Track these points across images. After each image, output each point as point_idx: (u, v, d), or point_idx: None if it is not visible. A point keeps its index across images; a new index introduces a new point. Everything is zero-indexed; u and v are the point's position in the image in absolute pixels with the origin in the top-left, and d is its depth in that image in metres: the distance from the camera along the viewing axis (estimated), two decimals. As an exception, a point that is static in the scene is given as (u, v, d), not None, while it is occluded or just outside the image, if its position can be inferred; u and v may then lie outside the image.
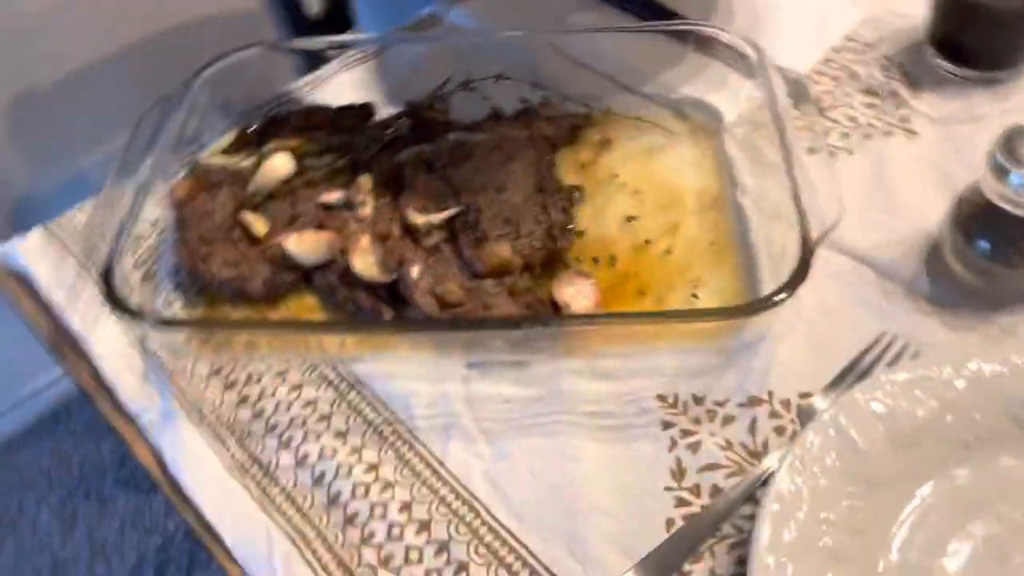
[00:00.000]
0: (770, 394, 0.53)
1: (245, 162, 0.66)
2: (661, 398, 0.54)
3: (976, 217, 0.55)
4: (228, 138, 0.70)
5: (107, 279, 0.55)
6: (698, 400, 0.54)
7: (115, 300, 0.54)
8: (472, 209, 0.60)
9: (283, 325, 0.58)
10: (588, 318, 0.55)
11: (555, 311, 0.56)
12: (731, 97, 0.68)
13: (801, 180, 0.54)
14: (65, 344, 0.63)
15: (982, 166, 0.52)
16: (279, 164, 0.65)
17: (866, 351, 0.54)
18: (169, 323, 0.56)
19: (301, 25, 1.13)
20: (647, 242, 0.61)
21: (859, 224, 0.61)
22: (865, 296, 0.57)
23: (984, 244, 0.54)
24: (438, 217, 0.60)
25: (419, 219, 0.60)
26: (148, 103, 0.66)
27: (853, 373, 0.53)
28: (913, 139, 0.66)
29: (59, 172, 1.32)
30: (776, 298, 0.49)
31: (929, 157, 0.65)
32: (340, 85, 0.78)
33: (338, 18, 1.12)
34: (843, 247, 0.60)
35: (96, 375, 0.60)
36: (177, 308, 0.62)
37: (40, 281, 0.66)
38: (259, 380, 0.58)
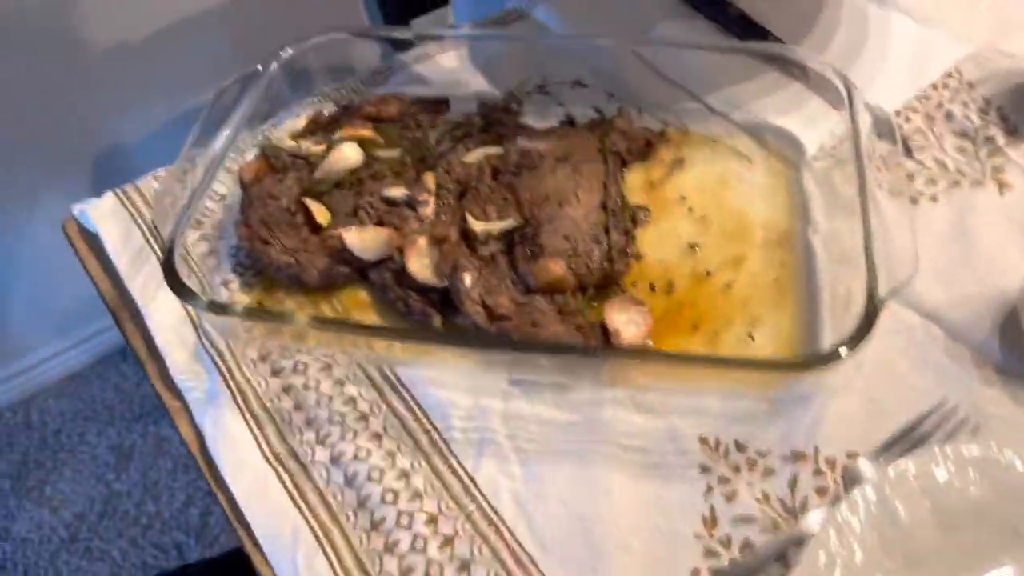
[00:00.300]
0: (816, 450, 0.52)
1: (315, 147, 0.66)
2: (702, 440, 0.53)
3: (1060, 288, 0.52)
4: (301, 120, 0.71)
5: (168, 256, 0.56)
6: (740, 447, 0.52)
7: (173, 278, 0.55)
8: (532, 222, 0.59)
9: (330, 324, 0.58)
10: (635, 353, 0.53)
11: (605, 336, 0.55)
12: (815, 128, 0.66)
13: (876, 227, 0.52)
14: (124, 309, 0.65)
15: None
16: (348, 154, 0.65)
17: (924, 417, 0.52)
18: (221, 308, 0.56)
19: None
20: (708, 273, 0.60)
21: (933, 277, 0.58)
22: (930, 356, 0.55)
23: (1065, 317, 0.51)
24: (497, 227, 0.59)
25: (478, 226, 0.59)
26: (244, 65, 0.67)
27: (907, 440, 0.51)
28: (1005, 192, 0.63)
29: (150, 124, 1.35)
30: (834, 355, 0.48)
31: (1019, 213, 0.61)
32: (420, 74, 0.78)
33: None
34: (912, 300, 0.57)
35: (150, 344, 0.62)
36: (235, 288, 0.63)
37: (108, 245, 0.67)
38: (304, 370, 0.58)
